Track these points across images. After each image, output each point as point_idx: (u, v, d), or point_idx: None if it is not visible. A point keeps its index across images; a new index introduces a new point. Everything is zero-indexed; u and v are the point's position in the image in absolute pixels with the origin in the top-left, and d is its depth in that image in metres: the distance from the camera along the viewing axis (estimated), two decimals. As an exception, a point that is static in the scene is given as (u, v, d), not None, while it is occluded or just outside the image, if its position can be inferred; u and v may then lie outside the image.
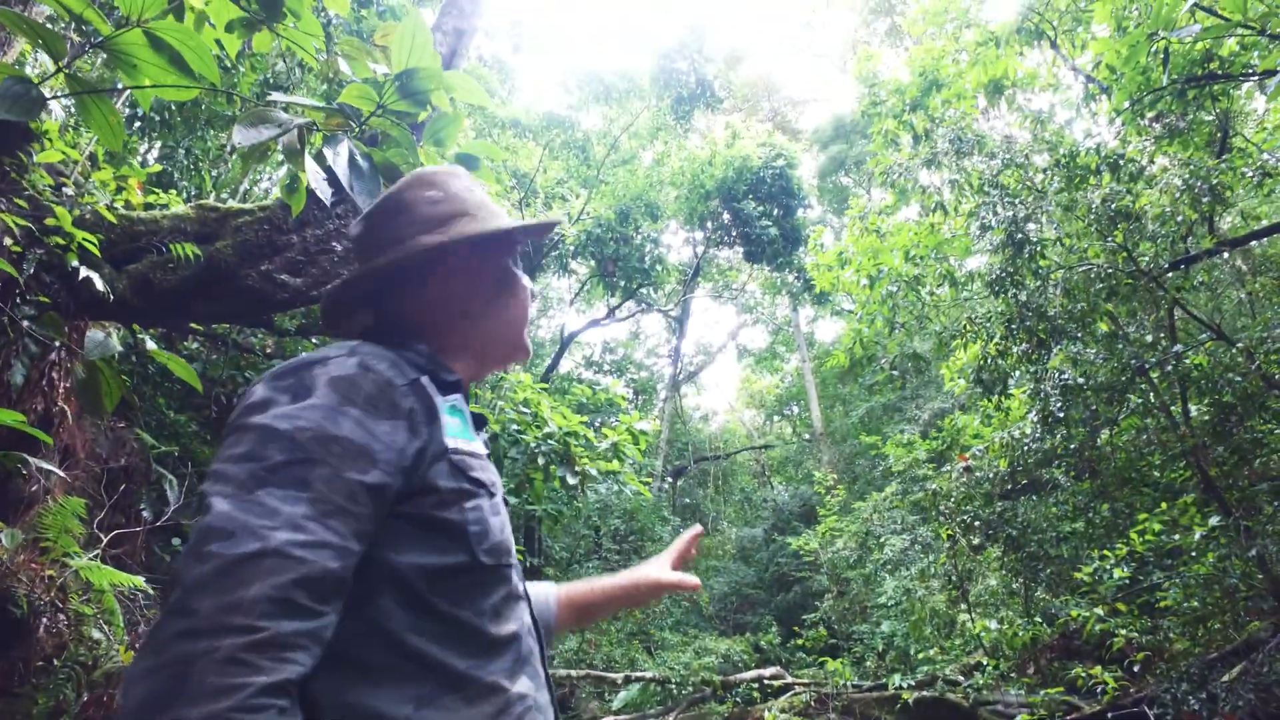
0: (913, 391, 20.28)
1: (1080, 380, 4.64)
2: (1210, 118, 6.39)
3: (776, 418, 34.56)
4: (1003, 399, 5.79)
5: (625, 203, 16.28)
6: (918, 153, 6.21)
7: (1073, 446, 5.27)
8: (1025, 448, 5.23)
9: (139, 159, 6.36)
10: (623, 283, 17.82)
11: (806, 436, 23.73)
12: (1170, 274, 4.99)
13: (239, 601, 0.78)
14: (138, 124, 5.87)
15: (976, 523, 7.37)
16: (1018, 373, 5.39)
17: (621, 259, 16.48)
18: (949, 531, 7.37)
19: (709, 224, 18.83)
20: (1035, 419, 5.13)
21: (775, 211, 17.48)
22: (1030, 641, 6.62)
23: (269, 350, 8.98)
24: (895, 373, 6.73)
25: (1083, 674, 5.68)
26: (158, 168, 5.68)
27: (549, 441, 6.92)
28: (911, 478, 8.19)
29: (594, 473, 6.66)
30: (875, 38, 20.33)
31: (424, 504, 0.98)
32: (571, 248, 15.91)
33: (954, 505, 7.40)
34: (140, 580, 4.63)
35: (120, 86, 1.85)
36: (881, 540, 8.35)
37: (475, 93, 2.27)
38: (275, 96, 2.16)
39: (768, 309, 30.47)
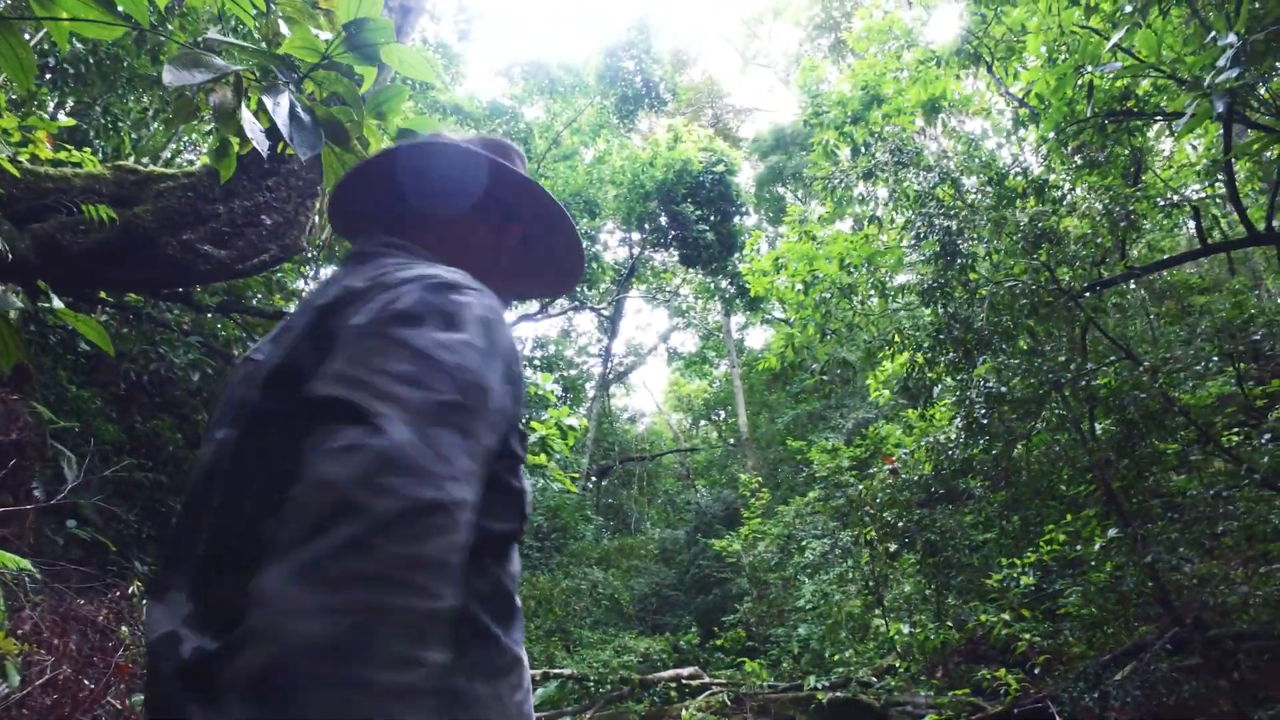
0: (838, 401, 20.79)
1: (1003, 390, 4.83)
2: (1126, 152, 6.74)
3: (703, 422, 34.89)
4: (927, 409, 5.98)
5: (564, 198, 16.17)
6: (856, 164, 6.36)
7: (993, 453, 5.47)
8: (949, 453, 5.41)
9: (48, 115, 5.96)
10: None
11: (732, 441, 24.01)
12: (1087, 295, 5.25)
13: (422, 558, 0.69)
14: (49, 75, 5.49)
15: (898, 526, 7.58)
16: (944, 382, 5.58)
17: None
18: (869, 534, 7.56)
19: (647, 225, 18.89)
20: (960, 425, 5.32)
21: (713, 216, 17.66)
22: (940, 645, 6.84)
23: (186, 326, 8.56)
24: (825, 378, 6.87)
25: (988, 676, 5.90)
26: (70, 122, 5.33)
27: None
28: (834, 483, 8.37)
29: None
30: (819, 52, 20.77)
31: (500, 467, 0.94)
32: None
33: (875, 511, 7.59)
34: (26, 563, 4.36)
35: (32, 17, 1.71)
36: (803, 544, 8.50)
37: (421, 67, 2.19)
38: (212, 36, 2.05)
39: (700, 313, 30.77)
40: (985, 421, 5.04)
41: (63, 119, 5.47)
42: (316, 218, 5.58)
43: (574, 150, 18.39)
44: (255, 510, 0.83)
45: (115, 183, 4.72)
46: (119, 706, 4.36)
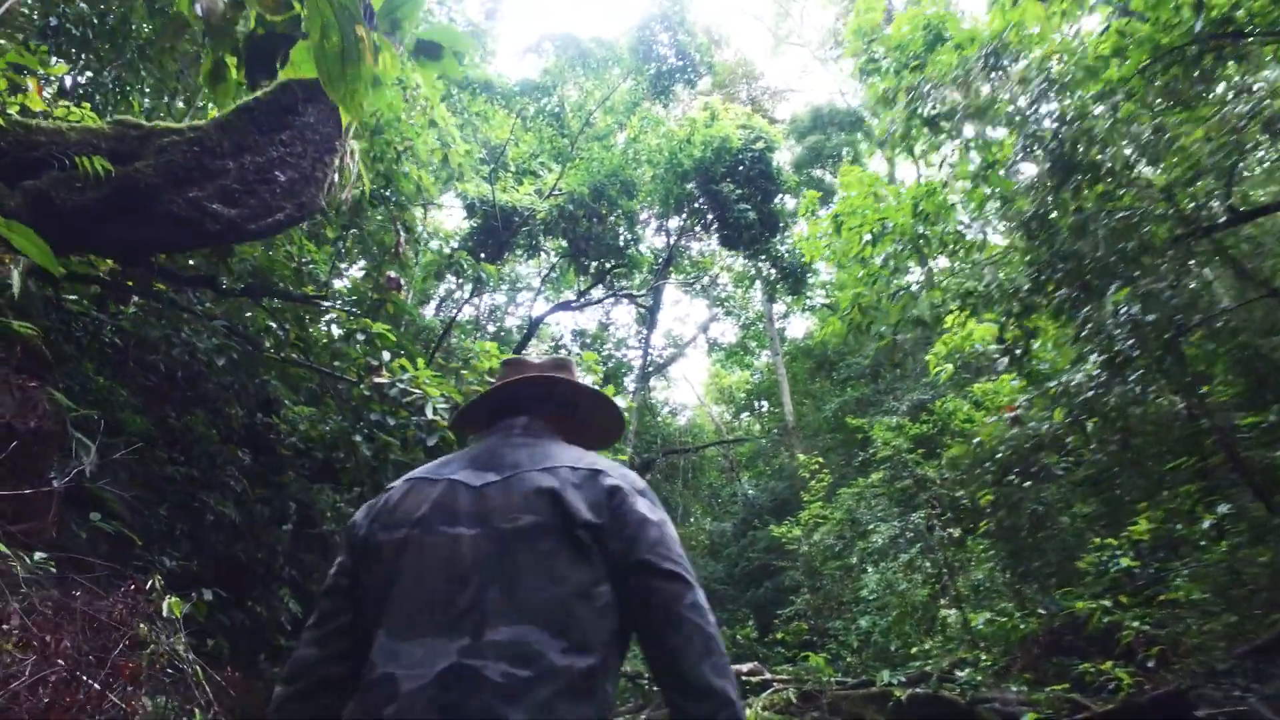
0: (888, 385, 19.98)
1: (1147, 320, 4.16)
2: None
3: (745, 414, 34.19)
4: (1025, 363, 5.32)
5: (600, 180, 15.68)
6: (919, 107, 5.73)
7: (1137, 390, 4.75)
8: (1087, 393, 4.69)
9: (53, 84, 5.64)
10: (594, 265, 17.23)
11: (777, 431, 23.29)
12: (1223, 225, 4.56)
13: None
14: (50, 37, 5.14)
15: (971, 507, 6.94)
16: (1046, 331, 4.90)
17: (594, 238, 15.88)
18: (941, 516, 6.93)
19: (684, 209, 18.30)
20: (1098, 360, 4.61)
21: (754, 196, 17.00)
22: (1024, 636, 6.20)
23: (216, 316, 8.22)
24: (899, 337, 6.27)
25: (1091, 669, 5.24)
26: (63, 69, 4.97)
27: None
28: (899, 463, 7.75)
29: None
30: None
31: None
32: (542, 225, 15.26)
33: (947, 491, 6.95)
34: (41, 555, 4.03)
35: None
36: (869, 528, 7.89)
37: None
38: None
39: (740, 302, 30.08)
40: (1135, 354, 4.34)
41: (67, 82, 5.11)
42: (336, 175, 5.12)
43: (609, 130, 17.86)
44: (566, 595, 1.32)
45: (115, 137, 4.30)
46: (124, 708, 3.95)
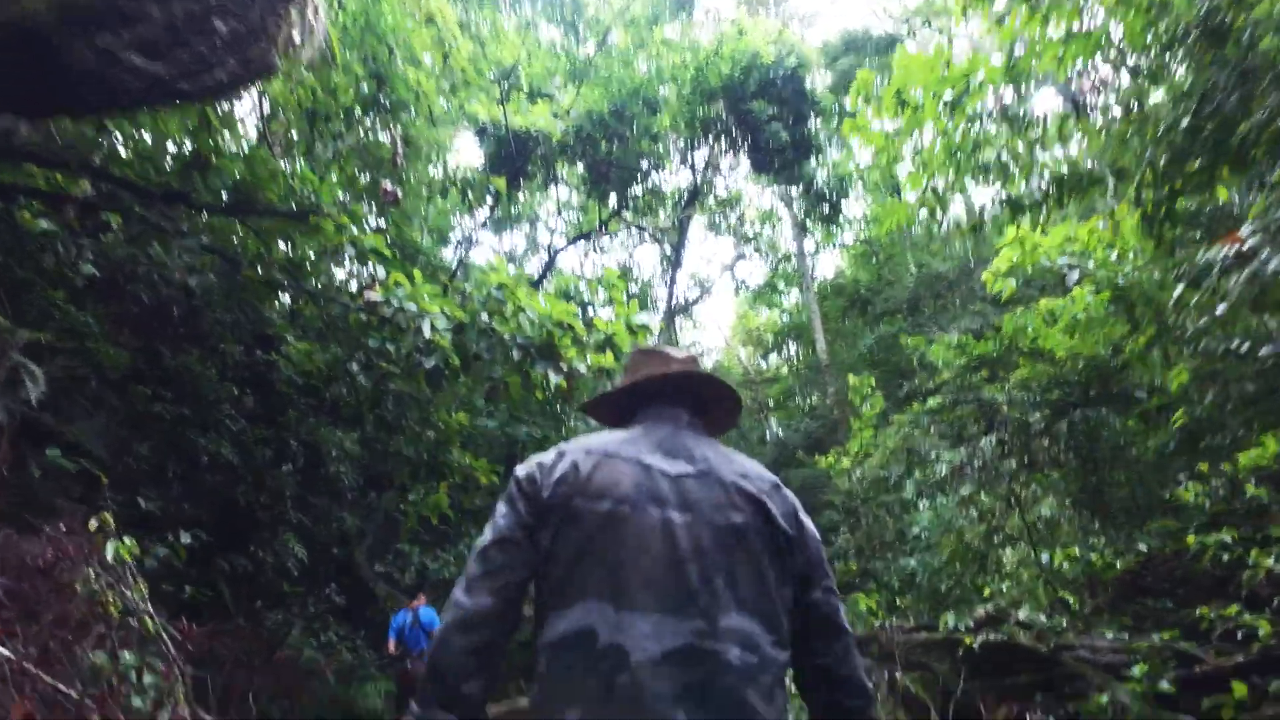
0: (930, 315, 18.94)
1: None
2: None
3: (774, 355, 33.32)
4: (1169, 232, 4.38)
5: (620, 99, 14.58)
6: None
7: None
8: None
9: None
10: (616, 192, 16.22)
11: (809, 370, 22.37)
12: None
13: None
14: None
15: (1043, 434, 6.07)
16: (1220, 178, 3.90)
17: (615, 163, 14.86)
18: (1009, 445, 6.08)
19: (711, 133, 17.14)
20: None
21: (786, 117, 15.81)
22: (1114, 576, 5.38)
23: (202, 240, 7.44)
24: (980, 225, 5.33)
25: (1210, 616, 4.41)
26: None
27: (527, 333, 5.52)
28: (962, 386, 6.88)
29: (583, 370, 5.30)
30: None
31: None
32: (559, 148, 14.24)
33: (1019, 414, 6.09)
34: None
35: None
36: (929, 457, 7.04)
37: None
38: None
39: (768, 242, 28.94)
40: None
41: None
42: (297, 34, 4.22)
43: (628, 49, 16.61)
44: (768, 589, 1.42)
45: (2, -29, 3.40)
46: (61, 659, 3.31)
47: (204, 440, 7.83)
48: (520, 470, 1.53)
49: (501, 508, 1.48)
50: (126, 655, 3.77)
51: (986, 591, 6.59)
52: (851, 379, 9.27)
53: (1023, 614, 5.33)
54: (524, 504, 1.47)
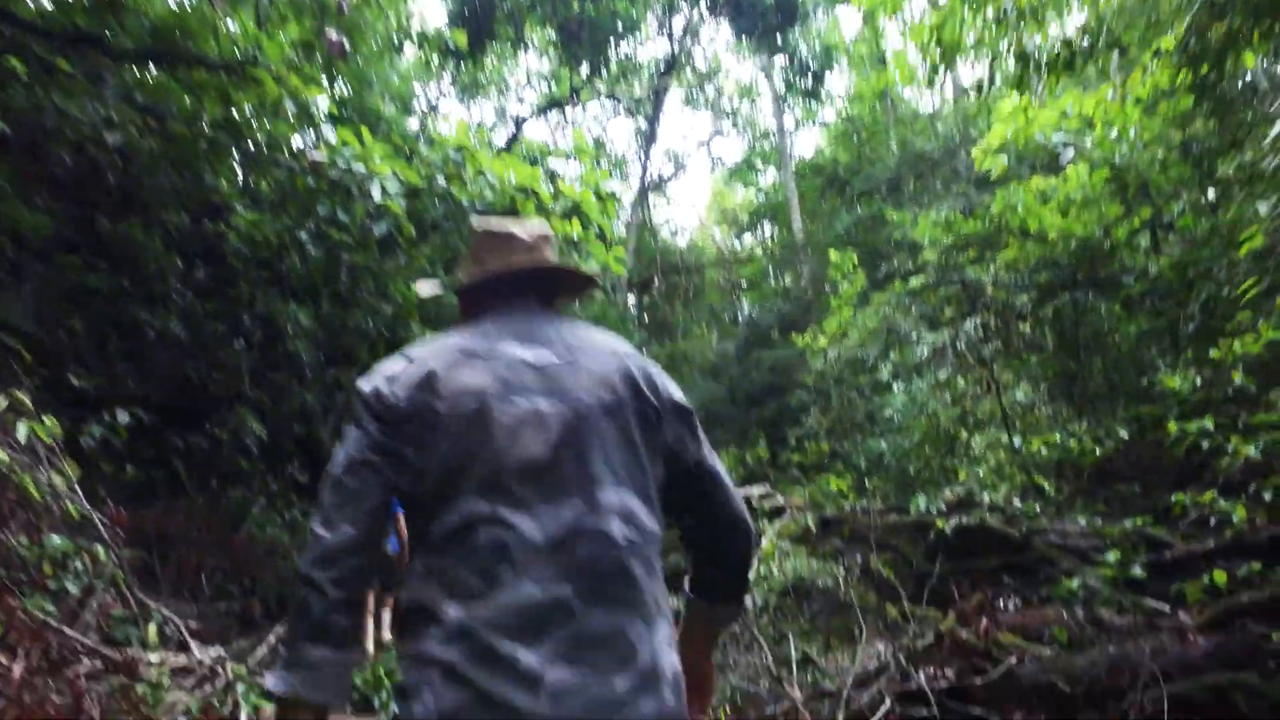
0: (909, 198, 18.49)
1: None
2: None
3: (749, 235, 32.83)
4: (1218, 92, 3.99)
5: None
6: None
7: None
8: None
9: None
10: (589, 59, 15.18)
11: (784, 250, 22.00)
12: None
13: None
14: None
15: (1026, 316, 5.86)
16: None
17: (589, 21, 13.78)
18: (992, 329, 5.88)
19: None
20: None
21: (771, -25, 14.70)
22: (1092, 463, 5.31)
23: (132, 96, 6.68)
24: (989, 83, 4.87)
25: (1185, 502, 4.35)
26: None
27: (488, 199, 5.06)
28: (947, 266, 6.60)
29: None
30: None
31: None
32: (528, 3, 13.10)
33: (1004, 295, 5.86)
34: None
35: None
36: (914, 337, 6.81)
37: None
38: None
39: (746, 116, 27.84)
40: None
41: None
42: None
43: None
44: (641, 462, 1.39)
45: None
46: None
47: (149, 315, 7.37)
48: (364, 386, 1.40)
49: (351, 431, 1.38)
50: (54, 539, 3.51)
51: (963, 475, 6.55)
52: (833, 254, 8.92)
53: (992, 499, 5.27)
54: (374, 424, 1.36)
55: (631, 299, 23.72)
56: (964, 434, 8.86)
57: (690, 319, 25.00)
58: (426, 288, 1.83)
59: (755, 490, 7.32)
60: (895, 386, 8.24)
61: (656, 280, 23.93)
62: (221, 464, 8.09)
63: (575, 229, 4.92)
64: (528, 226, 1.65)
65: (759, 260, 29.73)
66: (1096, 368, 6.24)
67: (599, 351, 1.46)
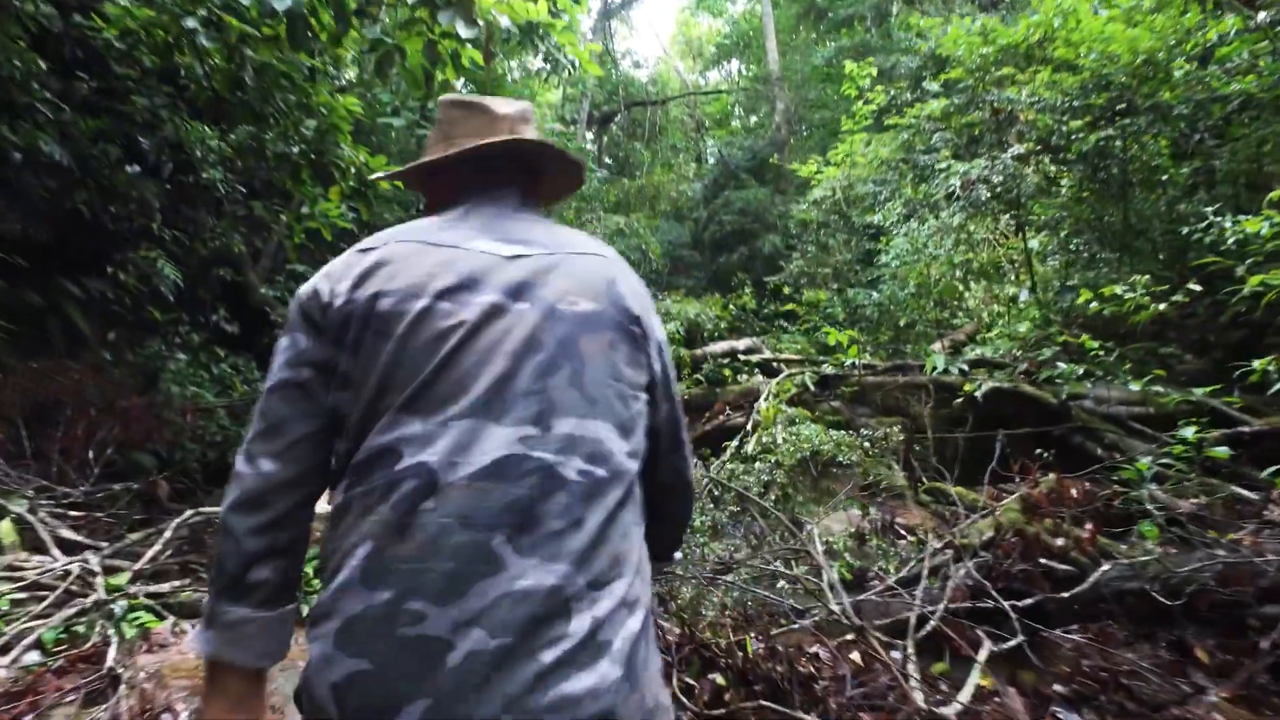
0: (881, 37, 16.90)
1: None
2: None
3: (714, 72, 30.65)
4: None
5: None
6: None
7: None
8: None
9: None
10: None
11: (758, 81, 20.32)
12: None
13: None
14: None
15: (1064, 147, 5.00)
16: None
17: None
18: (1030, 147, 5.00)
19: None
20: None
21: None
22: (1146, 319, 4.61)
23: None
24: None
25: (1272, 370, 3.70)
26: None
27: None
28: (975, 85, 5.58)
29: (506, 23, 3.77)
30: None
31: None
32: None
33: (1049, 122, 4.95)
34: None
35: None
36: (943, 167, 5.83)
37: None
38: None
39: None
40: None
41: None
42: None
43: None
44: (625, 393, 1.15)
45: None
46: None
47: (9, 131, 6.00)
48: (302, 290, 1.16)
49: (282, 342, 1.14)
50: None
51: (996, 337, 5.85)
52: (850, 66, 7.66)
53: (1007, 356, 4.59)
54: (308, 332, 1.12)
55: (590, 136, 22.03)
56: (969, 283, 8.18)
57: (653, 158, 23.42)
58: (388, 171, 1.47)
59: (742, 343, 6.58)
60: (902, 228, 7.38)
61: (620, 114, 22.14)
62: (128, 314, 7.01)
63: (540, 14, 3.77)
64: (507, 101, 1.38)
65: (725, 98, 27.93)
66: (1147, 210, 5.43)
67: (585, 256, 1.23)
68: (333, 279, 1.13)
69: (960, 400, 4.53)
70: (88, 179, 6.92)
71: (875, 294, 7.99)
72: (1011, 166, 5.08)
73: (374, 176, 1.54)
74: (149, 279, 7.20)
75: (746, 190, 16.67)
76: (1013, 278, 7.19)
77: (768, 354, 6.64)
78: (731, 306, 8.54)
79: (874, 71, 7.40)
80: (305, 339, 1.11)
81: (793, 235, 13.40)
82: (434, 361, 1.05)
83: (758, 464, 4.09)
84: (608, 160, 21.97)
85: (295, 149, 5.38)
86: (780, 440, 4.18)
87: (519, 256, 1.17)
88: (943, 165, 5.42)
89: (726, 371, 6.18)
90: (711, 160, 21.98)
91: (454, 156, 1.29)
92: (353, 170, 5.33)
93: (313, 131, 5.22)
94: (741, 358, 6.37)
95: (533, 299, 1.12)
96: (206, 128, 7.60)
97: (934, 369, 5.08)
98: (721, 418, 5.86)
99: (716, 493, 3.98)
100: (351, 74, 9.61)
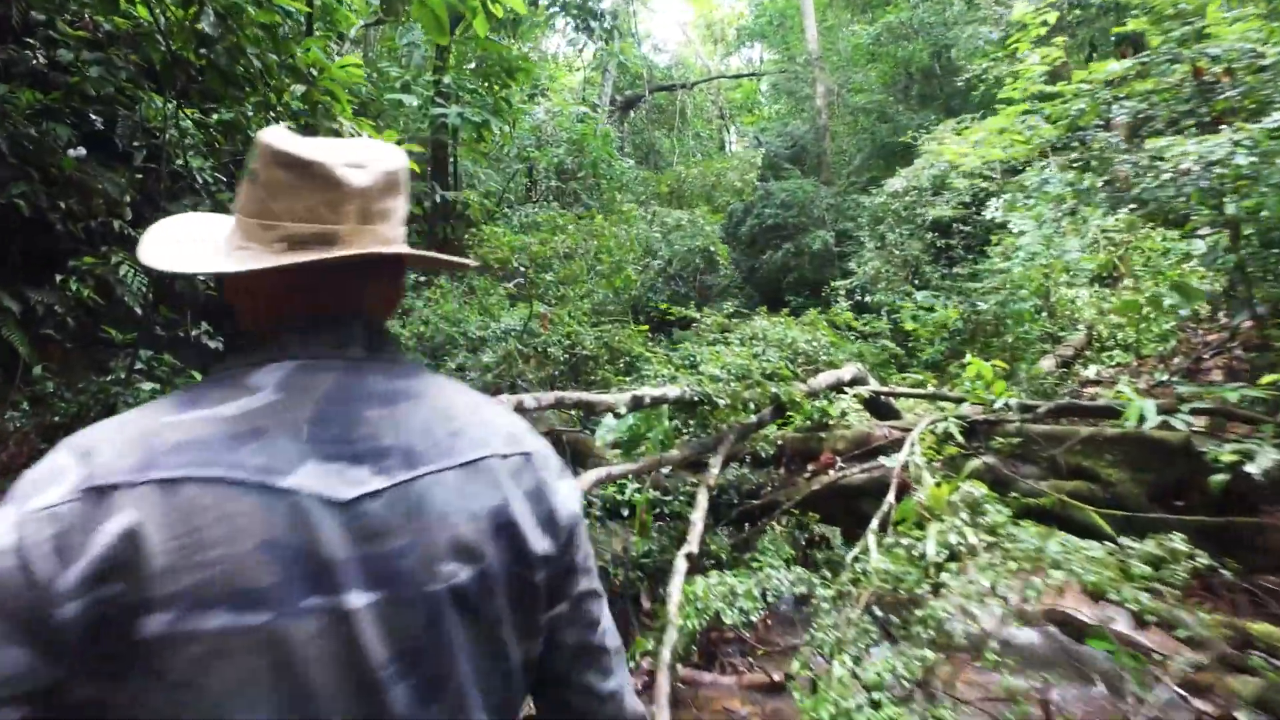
0: (936, 11, 15.40)
1: None
2: None
3: (735, 58, 29.31)
4: None
5: None
6: None
7: None
8: None
9: None
10: None
11: (800, 59, 18.86)
12: None
13: None
14: None
15: None
16: None
17: None
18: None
19: None
20: None
21: None
22: None
23: None
24: None
25: None
26: None
27: None
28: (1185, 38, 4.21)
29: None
30: None
31: None
32: None
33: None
34: None
35: None
36: (1103, 152, 4.38)
37: None
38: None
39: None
40: None
41: None
42: None
43: None
44: (511, 673, 0.84)
45: None
46: None
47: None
48: (3, 537, 0.65)
49: None
50: None
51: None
52: (1021, 12, 6.13)
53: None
54: (14, 628, 0.63)
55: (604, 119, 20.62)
56: (1080, 288, 6.82)
57: (676, 145, 21.98)
58: (155, 251, 0.87)
59: (847, 371, 5.20)
60: (1025, 224, 5.97)
61: (645, 99, 20.75)
62: (81, 334, 5.74)
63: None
64: (361, 152, 0.86)
65: (750, 84, 26.51)
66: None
67: (463, 469, 0.82)
68: (49, 539, 0.64)
69: (1222, 474, 3.17)
70: (28, 168, 5.64)
71: (982, 303, 6.62)
72: (1229, 147, 3.71)
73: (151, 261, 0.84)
74: (109, 289, 5.92)
75: (788, 180, 15.24)
76: (1132, 282, 5.91)
77: (873, 385, 5.28)
78: (819, 325, 7.07)
79: (1051, 19, 5.90)
80: (18, 637, 0.63)
81: (851, 232, 12.03)
82: (256, 715, 0.66)
83: (945, 576, 2.77)
84: (628, 149, 20.54)
85: (281, 124, 4.06)
86: (973, 542, 2.85)
87: (363, 497, 0.74)
88: (1152, 147, 4.06)
89: (829, 408, 4.82)
90: (736, 149, 20.56)
91: (268, 272, 0.81)
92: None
93: (300, 101, 3.90)
94: (840, 389, 5.01)
95: (390, 579, 0.74)
96: (180, 105, 6.30)
97: (1140, 419, 3.72)
98: (833, 473, 4.51)
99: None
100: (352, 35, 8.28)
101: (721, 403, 4.31)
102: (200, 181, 6.56)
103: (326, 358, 0.81)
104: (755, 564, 3.67)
